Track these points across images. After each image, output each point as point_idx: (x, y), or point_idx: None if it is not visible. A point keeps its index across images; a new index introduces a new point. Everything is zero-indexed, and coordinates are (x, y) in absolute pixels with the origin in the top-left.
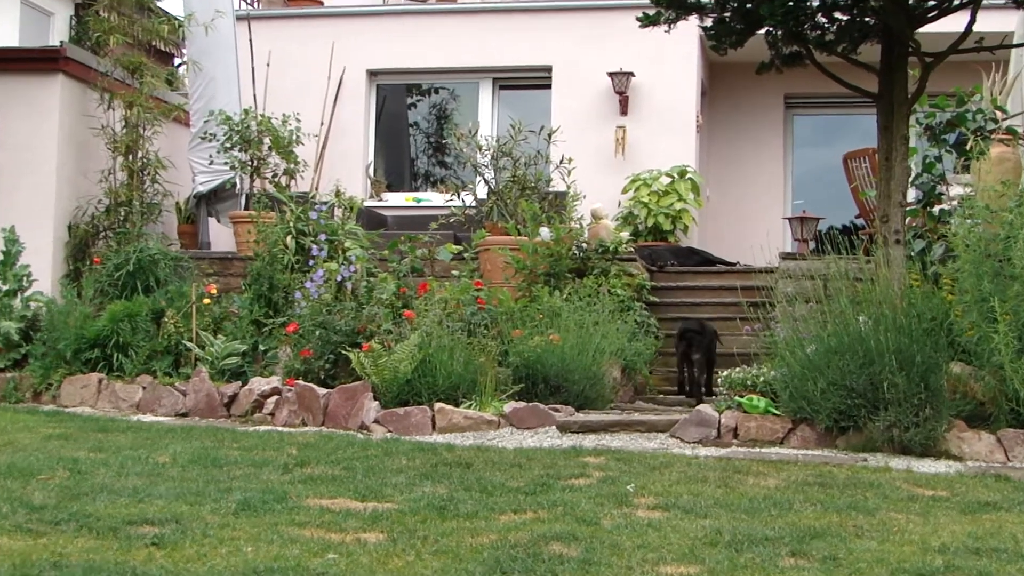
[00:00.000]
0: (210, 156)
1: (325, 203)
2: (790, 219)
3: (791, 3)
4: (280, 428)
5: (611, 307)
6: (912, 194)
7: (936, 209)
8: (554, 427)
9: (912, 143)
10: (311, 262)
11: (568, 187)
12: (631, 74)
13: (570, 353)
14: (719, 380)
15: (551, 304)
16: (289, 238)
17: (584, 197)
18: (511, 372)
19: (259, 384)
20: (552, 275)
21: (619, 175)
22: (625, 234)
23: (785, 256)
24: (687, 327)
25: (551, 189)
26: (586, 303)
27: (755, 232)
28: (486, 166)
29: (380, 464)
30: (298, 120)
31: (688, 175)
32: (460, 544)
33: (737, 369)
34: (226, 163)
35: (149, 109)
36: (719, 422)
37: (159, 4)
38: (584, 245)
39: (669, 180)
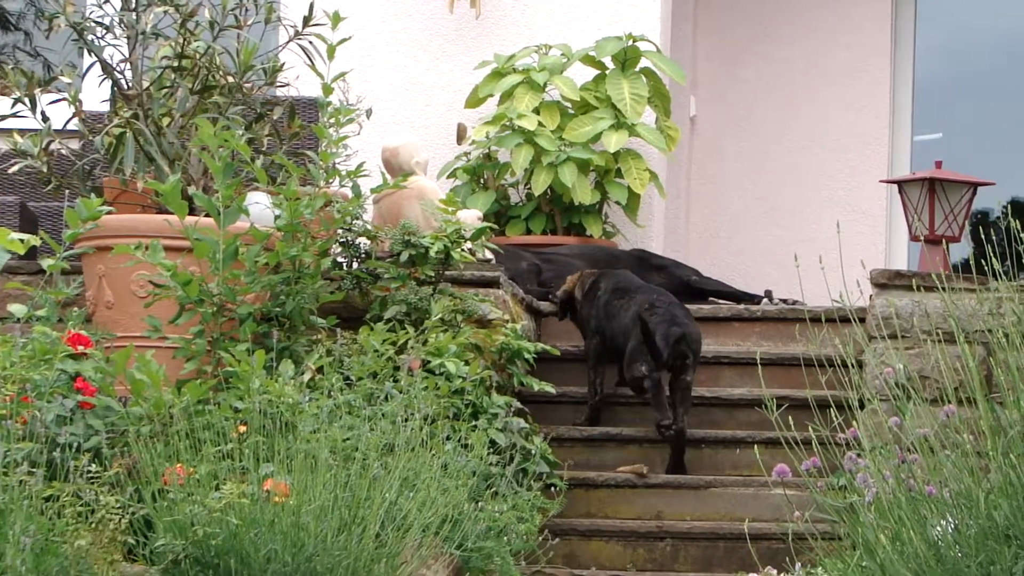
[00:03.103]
0: None
1: None
2: (903, 184)
3: None
4: None
5: (432, 407)
6: None
7: None
8: None
9: None
10: None
11: (326, 88)
12: None
13: (318, 531)
14: None
15: (271, 395)
16: None
17: (368, 115)
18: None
19: None
20: (278, 319)
21: (464, 58)
22: (472, 214)
23: (888, 282)
24: (658, 307)
25: (280, 93)
26: (365, 395)
27: (812, 219)
28: (108, 28)
29: None
30: None
31: (642, 61)
32: None
33: None
34: None
35: None
36: None
37: None
38: (364, 241)
39: (594, 75)
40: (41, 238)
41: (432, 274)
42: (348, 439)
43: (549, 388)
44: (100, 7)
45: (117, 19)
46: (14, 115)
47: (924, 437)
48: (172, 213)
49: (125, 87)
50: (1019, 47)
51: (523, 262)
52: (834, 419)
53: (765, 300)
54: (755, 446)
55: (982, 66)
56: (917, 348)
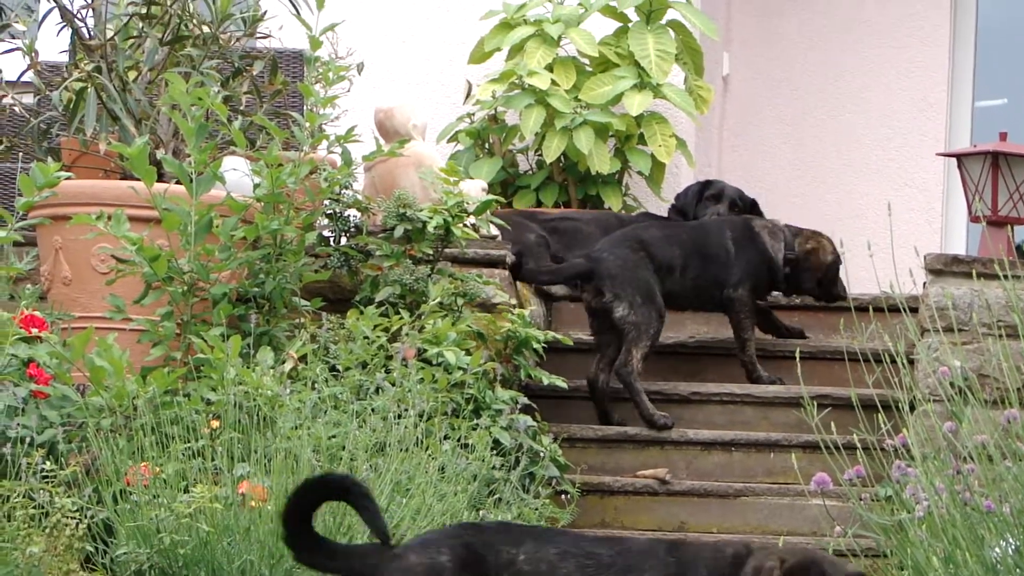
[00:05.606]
0: None
1: None
2: (962, 158)
3: None
4: None
5: (428, 402)
6: None
7: None
8: None
9: None
10: None
11: (314, 41)
12: None
13: None
14: None
15: (248, 386)
16: None
17: (359, 71)
18: None
19: None
20: (256, 300)
21: (469, 7)
22: (476, 184)
23: (944, 268)
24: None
25: (261, 45)
26: (354, 388)
27: (858, 194)
28: None
29: None
30: None
31: (670, 12)
32: None
33: None
34: None
35: None
36: None
37: None
38: (354, 214)
39: (615, 28)
40: None
41: (430, 252)
42: (334, 437)
43: (560, 382)
44: None
45: None
46: None
47: (982, 445)
48: (138, 179)
49: (87, 36)
50: None
51: (529, 234)
52: (881, 423)
53: None
54: (792, 450)
55: None
56: (976, 343)
